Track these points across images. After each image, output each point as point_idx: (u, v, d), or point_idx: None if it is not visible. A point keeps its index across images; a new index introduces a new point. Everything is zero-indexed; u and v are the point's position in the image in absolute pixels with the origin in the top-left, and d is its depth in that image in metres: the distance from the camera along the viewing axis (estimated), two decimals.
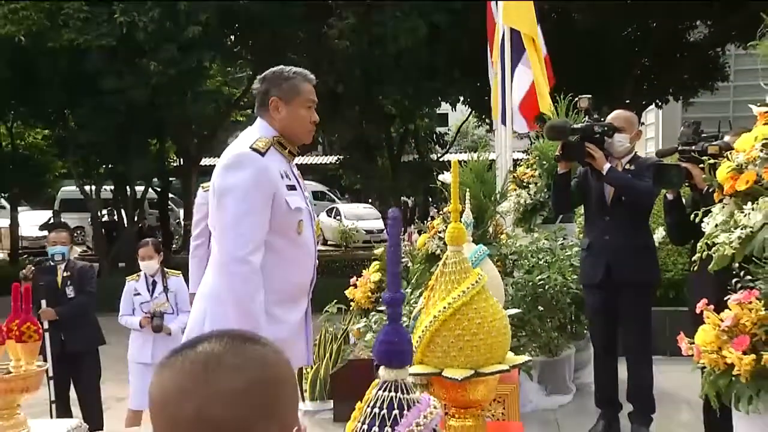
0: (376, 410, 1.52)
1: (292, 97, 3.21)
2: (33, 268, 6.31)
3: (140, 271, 6.21)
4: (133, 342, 6.10)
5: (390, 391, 1.53)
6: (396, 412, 1.50)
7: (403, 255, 6.41)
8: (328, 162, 27.97)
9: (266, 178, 3.06)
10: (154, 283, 6.11)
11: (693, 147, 4.61)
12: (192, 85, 14.45)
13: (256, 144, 3.10)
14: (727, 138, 4.55)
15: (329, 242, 22.99)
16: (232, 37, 15.54)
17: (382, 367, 1.57)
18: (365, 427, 1.52)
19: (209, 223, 3.27)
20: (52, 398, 6.03)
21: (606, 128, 5.25)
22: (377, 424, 1.50)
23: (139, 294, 6.14)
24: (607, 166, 5.17)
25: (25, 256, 17.85)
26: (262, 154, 3.09)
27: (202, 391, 1.07)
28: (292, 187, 3.17)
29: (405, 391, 1.54)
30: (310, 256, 3.27)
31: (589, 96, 5.70)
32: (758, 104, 3.39)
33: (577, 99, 6.00)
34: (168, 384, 1.10)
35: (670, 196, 4.90)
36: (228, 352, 1.11)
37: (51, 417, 5.69)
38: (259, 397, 1.09)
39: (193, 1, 12.15)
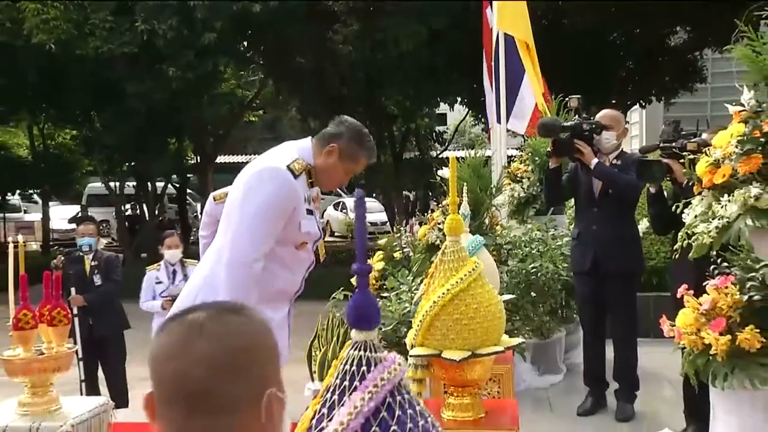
0: (347, 367, 1.58)
1: (348, 157, 3.21)
2: (63, 258, 6.33)
3: (162, 259, 6.23)
4: (157, 325, 6.12)
5: (360, 350, 1.60)
6: (364, 368, 1.57)
7: (405, 245, 6.42)
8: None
9: (292, 196, 3.08)
10: (174, 272, 6.13)
11: (673, 144, 4.62)
12: (208, 89, 14.43)
13: (293, 165, 3.10)
14: (704, 135, 4.56)
15: (336, 233, 22.98)
16: (245, 43, 15.51)
17: (353, 330, 1.63)
18: (338, 381, 1.59)
19: (221, 218, 3.27)
20: (82, 378, 6.07)
21: (594, 126, 5.26)
22: (348, 379, 1.56)
23: (160, 282, 6.16)
24: (594, 161, 5.17)
25: (56, 247, 17.88)
26: (296, 176, 3.09)
27: (184, 355, 1.13)
28: (310, 212, 3.20)
29: (373, 351, 1.60)
30: (302, 270, 3.30)
31: (579, 96, 5.70)
32: (734, 104, 3.39)
33: (567, 99, 6.00)
34: (159, 346, 1.17)
35: (652, 190, 4.91)
36: (211, 320, 1.17)
37: (81, 395, 5.72)
38: (229, 362, 1.14)
39: (208, 4, 12.12)
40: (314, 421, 1.47)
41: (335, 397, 1.58)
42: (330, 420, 1.55)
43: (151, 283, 6.21)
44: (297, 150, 3.20)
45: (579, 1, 10.99)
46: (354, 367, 1.58)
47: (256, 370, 1.18)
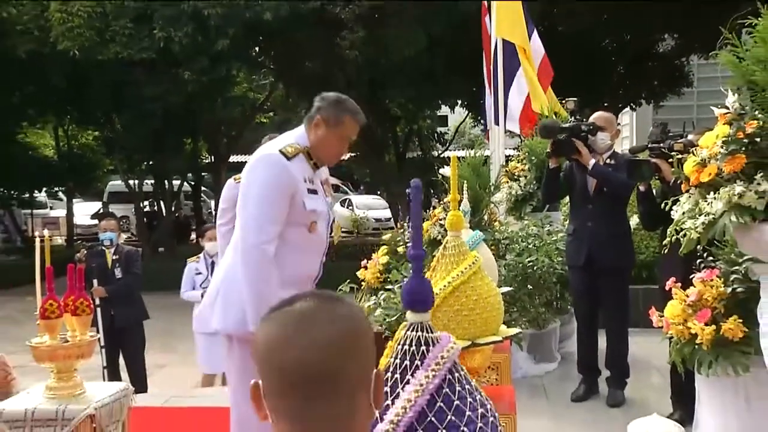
0: (406, 347, 1.61)
1: (334, 126, 3.16)
2: (86, 251, 6.36)
3: (197, 253, 6.28)
4: (197, 313, 6.14)
5: (417, 331, 1.63)
6: (423, 348, 1.60)
7: (408, 240, 6.42)
8: (341, 159, 27.91)
9: (288, 178, 3.05)
10: (213, 263, 6.08)
11: (661, 144, 4.62)
12: (221, 92, 14.43)
13: (285, 148, 3.08)
14: (690, 136, 4.56)
15: (343, 229, 22.97)
16: (257, 49, 15.51)
17: (409, 312, 1.65)
18: (397, 361, 1.62)
19: (236, 210, 3.25)
20: (104, 364, 6.10)
21: (591, 127, 5.25)
22: (408, 359, 1.59)
23: (200, 273, 6.20)
24: (592, 161, 5.17)
25: (79, 241, 17.91)
26: (288, 159, 3.06)
27: (302, 341, 1.11)
28: (313, 191, 3.16)
29: (429, 331, 1.63)
30: (318, 252, 3.25)
31: (576, 99, 5.70)
32: (719, 107, 3.39)
33: (564, 101, 6.01)
34: (272, 335, 1.14)
35: (642, 188, 4.91)
36: (320, 308, 1.16)
37: (103, 380, 5.75)
38: (346, 345, 1.13)
39: (222, 12, 12.13)
40: None
41: (397, 375, 1.61)
42: (394, 398, 1.57)
43: (191, 275, 6.24)
44: (294, 136, 3.20)
45: (574, 5, 10.99)
46: (413, 347, 1.60)
47: (365, 353, 1.17)
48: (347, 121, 3.17)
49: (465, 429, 1.53)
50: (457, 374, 1.61)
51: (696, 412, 4.19)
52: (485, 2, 8.11)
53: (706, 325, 3.89)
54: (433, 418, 1.53)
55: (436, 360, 1.58)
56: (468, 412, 1.55)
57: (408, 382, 1.57)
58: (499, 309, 2.51)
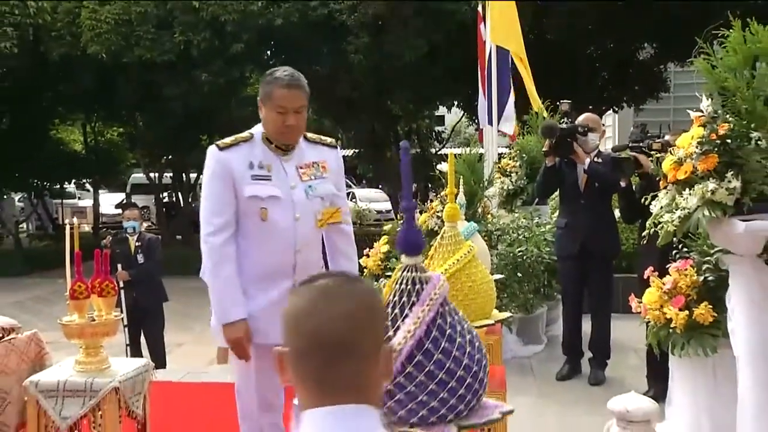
0: (402, 286, 1.72)
1: (266, 101, 2.84)
2: (111, 238, 6.38)
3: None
4: None
5: (411, 272, 1.73)
6: (418, 286, 1.70)
7: None
8: (345, 154, 27.87)
9: (220, 169, 2.80)
10: None
11: (641, 144, 4.64)
12: (236, 92, 14.41)
13: (223, 140, 2.88)
14: (667, 137, 4.59)
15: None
16: (269, 53, 15.47)
17: (403, 255, 1.76)
18: (395, 298, 1.72)
19: None
20: (127, 342, 6.13)
21: (585, 129, 5.27)
22: (405, 296, 1.69)
23: None
24: (588, 160, 5.19)
25: (105, 229, 17.93)
26: (221, 149, 2.83)
27: (324, 312, 1.18)
28: (261, 177, 2.83)
29: (421, 271, 1.74)
30: (281, 242, 2.84)
31: (570, 101, 5.71)
32: (694, 110, 3.40)
33: (559, 103, 6.04)
34: (300, 306, 1.20)
35: (623, 184, 4.92)
36: (341, 285, 1.22)
37: (126, 357, 5.78)
38: (363, 317, 1.20)
39: (237, 18, 12.13)
40: None
41: (396, 311, 1.70)
42: (395, 330, 1.67)
43: None
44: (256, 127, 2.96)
45: (562, 17, 10.97)
46: (409, 286, 1.70)
47: (377, 325, 1.24)
48: (275, 92, 2.81)
49: (456, 352, 1.65)
50: (447, 307, 1.72)
51: (669, 390, 4.21)
52: (480, 11, 8.09)
53: (680, 310, 3.92)
54: (429, 345, 1.65)
55: (430, 296, 1.68)
56: (458, 339, 1.67)
57: (407, 316, 1.67)
58: (491, 295, 2.52)
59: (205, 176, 2.86)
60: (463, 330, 1.72)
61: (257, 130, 2.91)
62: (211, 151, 2.85)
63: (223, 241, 2.76)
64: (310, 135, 3.05)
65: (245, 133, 2.91)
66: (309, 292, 1.21)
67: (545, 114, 7.04)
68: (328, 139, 3.14)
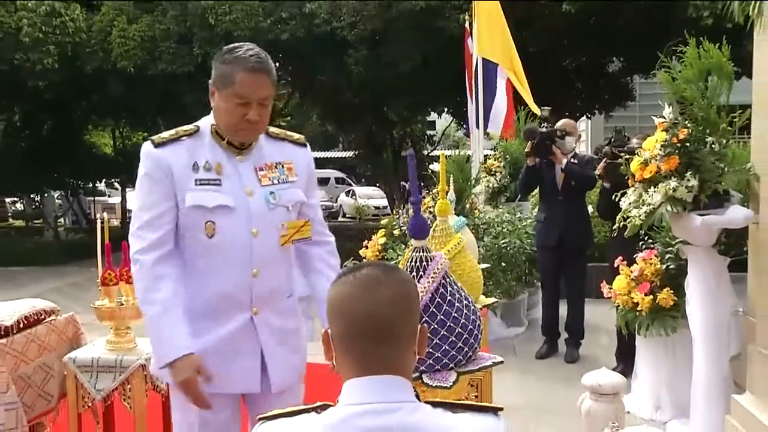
0: (413, 263, 1.92)
1: (222, 87, 2.02)
2: None
3: None
4: None
5: (419, 252, 1.94)
6: (424, 263, 1.91)
7: (402, 224, 6.43)
8: (346, 156, 27.88)
9: (159, 171, 1.97)
10: None
11: (625, 147, 4.56)
12: None
13: (160, 135, 2.06)
14: (633, 140, 4.60)
15: (347, 215, 22.98)
16: (277, 64, 15.42)
17: (413, 239, 1.97)
18: (410, 272, 1.90)
19: None
20: None
21: (562, 132, 5.28)
22: (414, 270, 1.90)
23: None
24: (565, 161, 5.21)
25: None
26: (156, 145, 2.00)
27: (370, 298, 1.20)
28: (208, 182, 1.98)
29: (427, 251, 1.95)
30: (233, 262, 1.99)
31: (550, 107, 5.73)
32: (657, 116, 3.43)
33: (541, 109, 6.05)
34: (345, 292, 1.23)
35: (607, 185, 4.88)
36: (384, 273, 1.24)
37: None
38: (402, 304, 1.23)
39: (248, 34, 12.12)
40: None
41: None
42: None
43: None
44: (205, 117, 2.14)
45: (541, 32, 11.00)
46: (417, 263, 1.91)
47: (414, 310, 1.26)
48: (237, 75, 1.98)
49: (455, 314, 1.84)
50: (449, 279, 1.92)
51: (635, 365, 4.25)
52: (467, 27, 8.09)
53: (646, 295, 3.95)
54: (434, 309, 1.85)
55: (434, 270, 1.88)
56: (457, 303, 1.87)
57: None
58: (479, 282, 2.53)
59: (138, 179, 2.02)
60: (462, 297, 1.90)
61: (205, 122, 2.10)
62: (146, 148, 2.01)
63: (156, 259, 1.95)
64: (272, 129, 2.16)
65: (189, 126, 2.08)
66: (354, 280, 1.23)
67: (538, 111, 6.98)
68: (296, 135, 2.22)
